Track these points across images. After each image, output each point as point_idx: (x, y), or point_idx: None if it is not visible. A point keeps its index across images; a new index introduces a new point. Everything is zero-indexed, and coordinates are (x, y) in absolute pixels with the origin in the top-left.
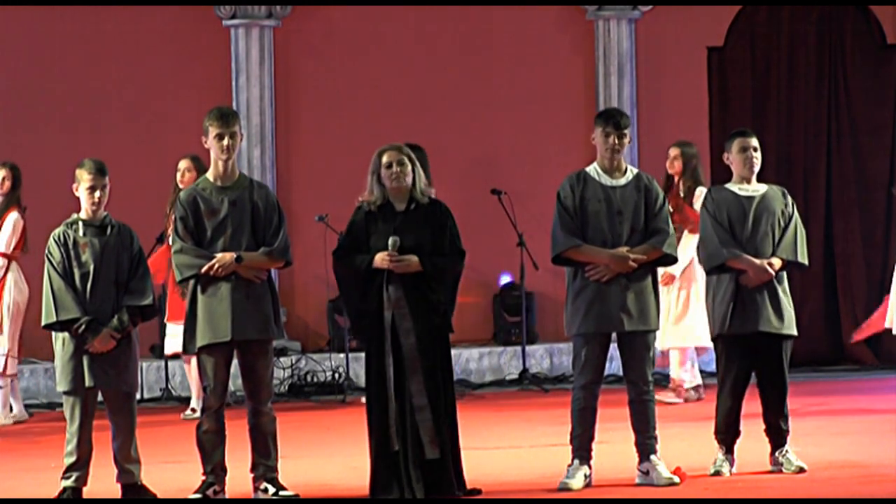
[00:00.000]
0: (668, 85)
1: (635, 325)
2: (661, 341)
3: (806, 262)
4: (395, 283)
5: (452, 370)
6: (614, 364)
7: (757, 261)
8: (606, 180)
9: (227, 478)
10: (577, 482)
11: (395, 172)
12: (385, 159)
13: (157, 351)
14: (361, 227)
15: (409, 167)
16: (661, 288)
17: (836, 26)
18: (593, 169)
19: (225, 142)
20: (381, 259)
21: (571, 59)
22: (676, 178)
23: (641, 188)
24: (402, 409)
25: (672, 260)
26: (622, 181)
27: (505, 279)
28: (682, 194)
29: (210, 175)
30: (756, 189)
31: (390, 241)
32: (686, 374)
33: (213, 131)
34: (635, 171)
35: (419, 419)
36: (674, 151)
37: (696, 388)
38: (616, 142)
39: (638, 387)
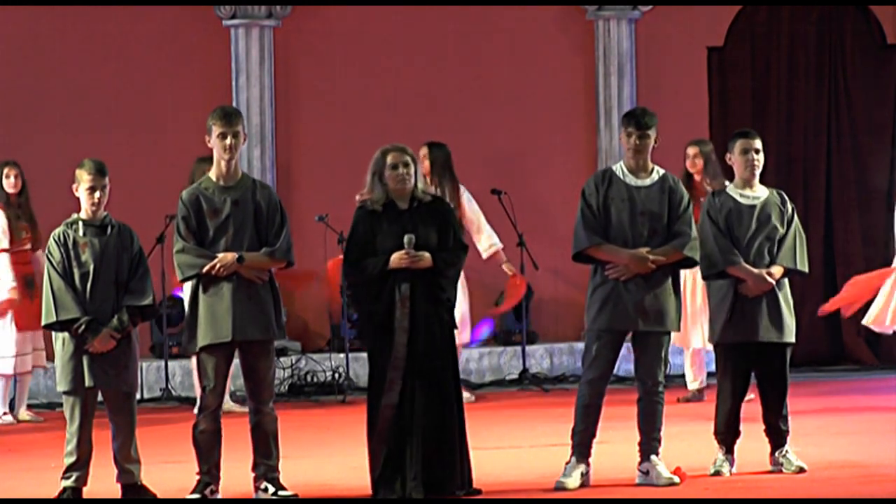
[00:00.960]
0: (668, 85)
1: (651, 325)
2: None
3: (806, 269)
4: (407, 282)
5: (458, 369)
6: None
7: (756, 270)
8: (631, 180)
9: (221, 476)
10: (573, 481)
11: (401, 174)
12: (390, 160)
13: (156, 351)
14: (367, 228)
15: (413, 167)
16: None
17: (836, 26)
18: (619, 168)
19: (228, 141)
20: (397, 258)
21: (571, 59)
22: (698, 177)
23: (666, 189)
24: (410, 407)
25: (692, 263)
26: (647, 181)
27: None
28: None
29: (213, 174)
30: (757, 196)
31: (406, 238)
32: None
33: (216, 130)
34: (661, 171)
35: (420, 421)
36: (692, 150)
37: (700, 390)
38: (637, 142)
39: (646, 385)
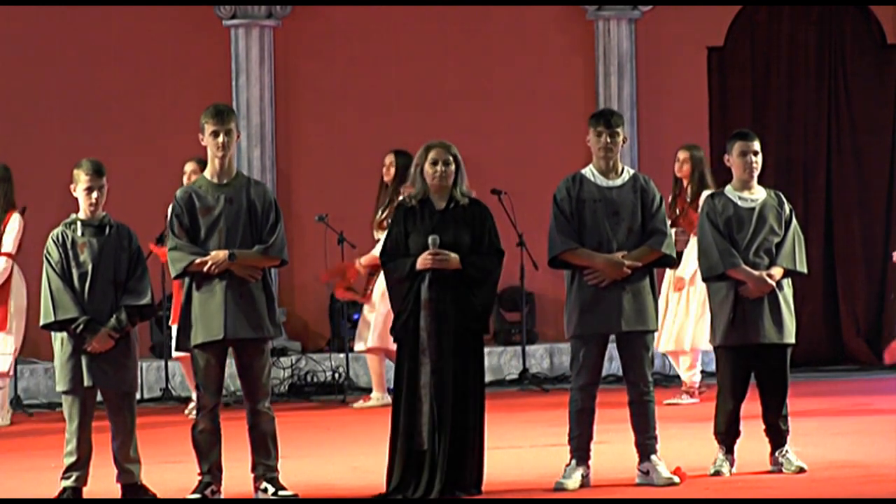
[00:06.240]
0: (668, 85)
1: (633, 325)
2: (674, 343)
3: (805, 270)
4: (434, 285)
5: (484, 371)
6: (614, 364)
7: (756, 272)
8: (602, 181)
9: (223, 477)
10: (572, 482)
11: (440, 171)
12: (431, 156)
13: (156, 351)
14: (401, 227)
15: (454, 167)
16: (673, 293)
17: (836, 26)
18: (589, 171)
19: (220, 139)
20: (422, 261)
21: (571, 58)
22: (685, 182)
23: (638, 189)
24: (437, 409)
25: (671, 260)
26: (618, 182)
27: None
28: (688, 199)
29: (207, 173)
30: (755, 197)
31: (430, 239)
32: (697, 375)
33: (208, 129)
34: (631, 171)
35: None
36: (682, 154)
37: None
38: (608, 140)
39: (638, 387)
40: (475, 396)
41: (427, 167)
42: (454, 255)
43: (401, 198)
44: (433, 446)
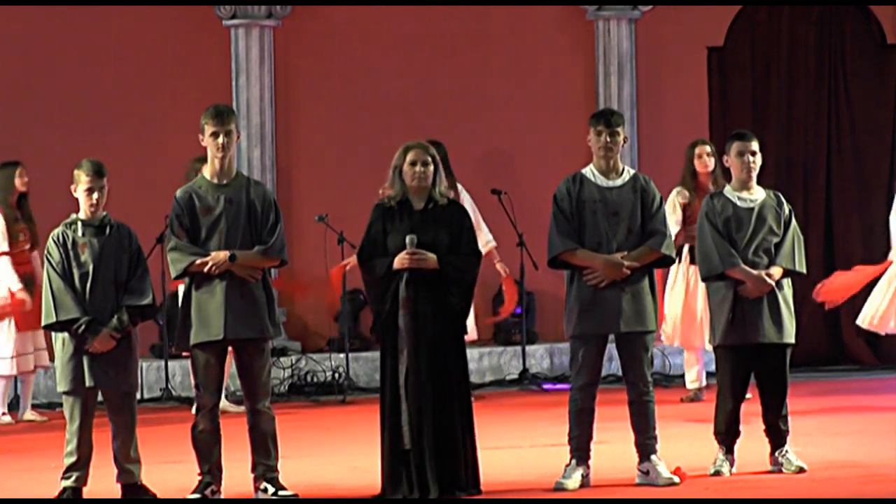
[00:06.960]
0: (668, 85)
1: (632, 325)
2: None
3: (804, 270)
4: (411, 284)
5: (468, 371)
6: (614, 364)
7: (755, 272)
8: (602, 181)
9: (223, 477)
10: (572, 482)
11: (418, 172)
12: (410, 157)
13: (156, 351)
14: (379, 226)
15: (432, 167)
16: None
17: (836, 26)
18: (589, 171)
19: (220, 140)
20: (400, 260)
21: (571, 58)
22: (706, 178)
23: (638, 189)
24: (416, 408)
25: (670, 261)
26: (618, 182)
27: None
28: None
29: (207, 173)
30: (754, 198)
31: (407, 239)
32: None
33: (208, 129)
34: (632, 171)
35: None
36: (706, 149)
37: (700, 389)
38: (608, 139)
39: (638, 388)
40: (460, 396)
41: (406, 168)
42: (432, 255)
43: (379, 198)
44: (417, 445)
